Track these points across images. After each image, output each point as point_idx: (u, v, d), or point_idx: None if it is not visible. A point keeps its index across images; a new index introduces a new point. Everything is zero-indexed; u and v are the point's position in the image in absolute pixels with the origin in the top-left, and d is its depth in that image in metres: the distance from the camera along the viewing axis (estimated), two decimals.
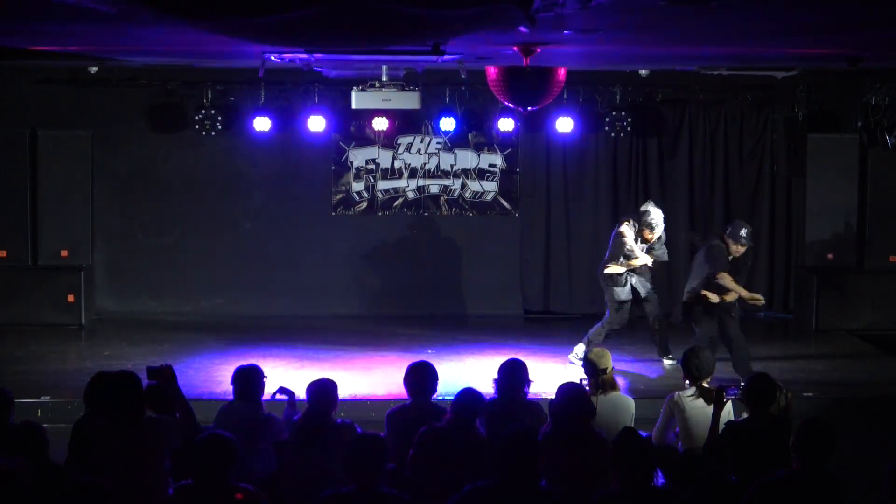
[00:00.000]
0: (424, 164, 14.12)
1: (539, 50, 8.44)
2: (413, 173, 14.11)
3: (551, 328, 13.44)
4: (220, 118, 13.23)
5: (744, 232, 10.37)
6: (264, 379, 7.15)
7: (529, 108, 9.72)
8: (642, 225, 11.17)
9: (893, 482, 5.31)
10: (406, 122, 13.72)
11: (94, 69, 12.33)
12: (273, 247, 14.02)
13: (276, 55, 9.05)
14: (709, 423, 6.85)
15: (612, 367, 7.43)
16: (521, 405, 7.19)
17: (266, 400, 7.21)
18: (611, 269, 11.31)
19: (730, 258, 10.45)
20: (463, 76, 10.30)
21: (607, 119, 13.47)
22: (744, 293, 10.44)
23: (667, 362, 11.34)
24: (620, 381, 7.65)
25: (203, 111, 13.23)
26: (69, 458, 6.57)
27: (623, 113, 13.45)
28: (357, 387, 10.35)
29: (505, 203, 14.25)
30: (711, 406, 6.94)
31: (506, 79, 9.10)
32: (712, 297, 10.43)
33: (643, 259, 11.24)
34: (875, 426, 9.64)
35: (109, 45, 9.42)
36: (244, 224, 14.08)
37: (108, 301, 13.98)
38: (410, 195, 14.17)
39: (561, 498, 5.53)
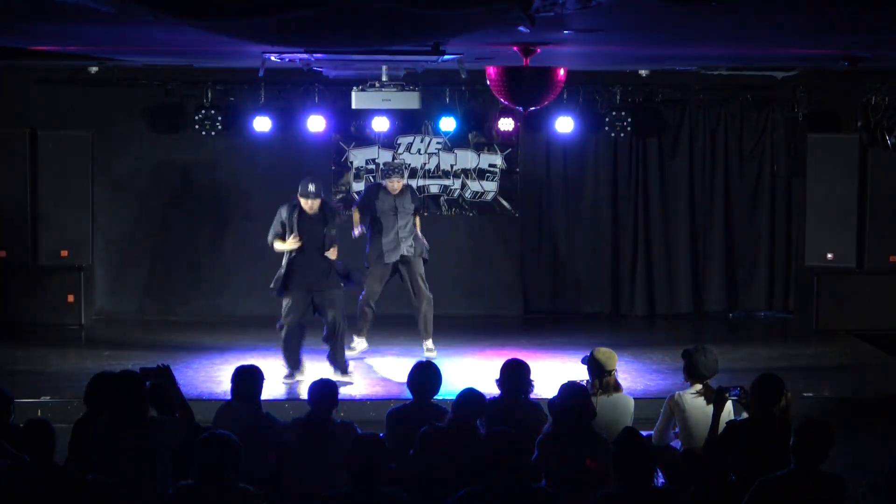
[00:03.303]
0: (424, 164, 14.13)
1: (539, 50, 8.44)
2: (413, 173, 14.10)
3: (551, 328, 13.43)
4: (220, 118, 13.23)
5: (311, 187, 10.30)
6: (263, 379, 7.15)
7: (529, 108, 9.72)
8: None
9: (893, 482, 5.31)
10: (406, 122, 13.72)
11: (94, 69, 12.33)
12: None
13: (276, 55, 9.05)
14: (709, 423, 6.84)
15: (616, 369, 7.43)
16: (522, 405, 7.19)
17: (265, 399, 7.21)
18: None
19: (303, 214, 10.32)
20: (463, 76, 10.30)
21: (607, 119, 13.48)
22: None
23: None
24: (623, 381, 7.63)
25: (203, 111, 13.23)
26: (69, 458, 6.57)
27: (623, 113, 13.45)
28: (357, 387, 10.35)
29: (505, 203, 14.25)
30: (711, 406, 6.93)
31: (506, 79, 9.09)
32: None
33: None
34: (875, 426, 9.64)
35: (109, 45, 9.42)
36: (244, 224, 14.08)
37: (108, 301, 13.98)
38: None
39: (557, 498, 5.54)
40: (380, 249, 11.37)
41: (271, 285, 10.41)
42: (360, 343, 11.45)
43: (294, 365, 10.44)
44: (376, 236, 11.39)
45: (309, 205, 10.33)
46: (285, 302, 10.39)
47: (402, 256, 11.40)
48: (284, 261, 10.37)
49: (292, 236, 10.29)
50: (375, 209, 11.42)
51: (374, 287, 11.39)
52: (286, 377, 10.35)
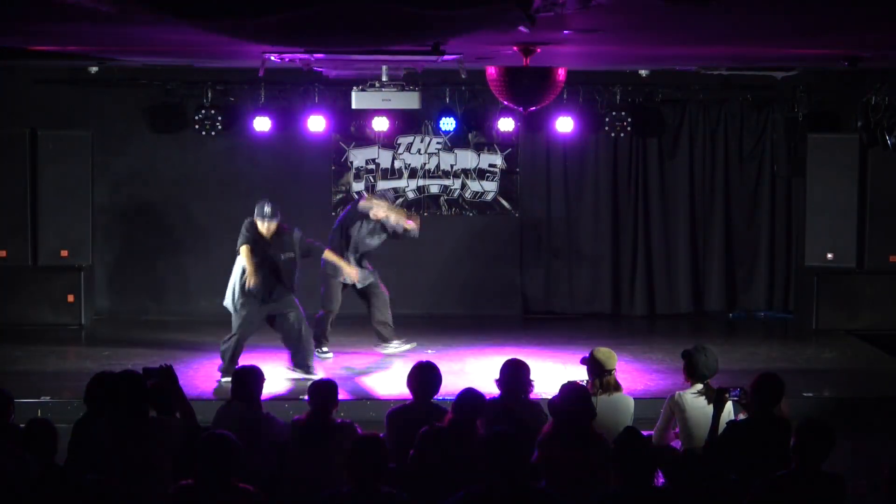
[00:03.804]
0: (424, 164, 14.12)
1: (539, 50, 8.44)
2: (413, 173, 14.11)
3: (551, 328, 13.43)
4: (220, 118, 13.23)
5: (266, 209, 10.29)
6: (263, 380, 7.14)
7: (529, 108, 9.72)
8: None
9: (893, 482, 5.32)
10: (406, 122, 13.72)
11: (94, 69, 12.33)
12: None
13: (276, 55, 9.05)
14: (709, 423, 6.84)
15: (616, 368, 7.43)
16: (522, 405, 7.19)
17: (265, 399, 7.21)
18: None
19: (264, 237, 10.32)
20: (463, 76, 10.30)
21: (607, 119, 13.47)
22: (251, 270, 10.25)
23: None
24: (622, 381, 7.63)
25: (203, 111, 13.23)
26: (69, 458, 6.57)
27: (623, 113, 13.45)
28: (357, 387, 10.35)
29: (505, 203, 14.25)
30: (712, 406, 6.93)
31: (506, 79, 9.10)
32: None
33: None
34: (875, 426, 9.64)
35: (109, 45, 9.42)
36: (244, 224, 14.04)
37: (108, 301, 13.98)
38: (410, 195, 14.17)
39: (558, 499, 5.53)
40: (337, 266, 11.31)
41: (227, 301, 10.43)
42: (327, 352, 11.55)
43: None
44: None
45: (266, 227, 10.33)
46: (243, 314, 10.37)
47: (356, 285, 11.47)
48: (238, 278, 10.35)
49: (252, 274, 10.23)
50: (349, 236, 11.42)
51: (335, 294, 11.47)
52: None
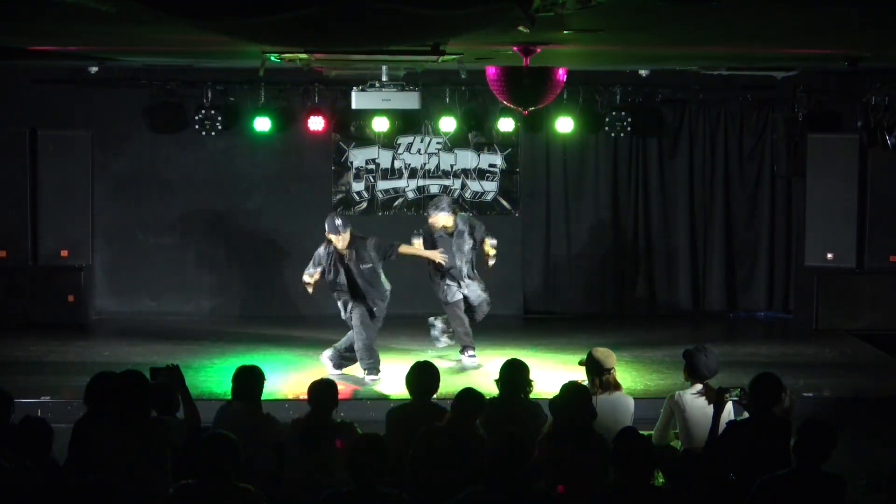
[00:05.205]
0: (424, 164, 14.12)
1: (539, 50, 8.44)
2: (413, 173, 14.10)
3: (551, 328, 13.43)
4: (220, 118, 13.23)
5: (337, 221, 10.38)
6: (264, 379, 7.14)
7: (529, 108, 9.72)
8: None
9: (894, 482, 5.32)
10: (406, 122, 13.71)
11: (94, 69, 12.33)
12: (273, 247, 14.01)
13: (276, 55, 9.05)
14: (709, 423, 6.84)
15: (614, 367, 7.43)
16: (521, 405, 7.19)
17: (265, 399, 7.21)
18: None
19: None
20: (463, 76, 10.30)
21: (607, 119, 13.48)
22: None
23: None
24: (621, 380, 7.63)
25: (203, 111, 13.23)
26: (69, 458, 6.57)
27: (623, 113, 13.46)
28: (357, 387, 10.35)
29: (505, 203, 14.25)
30: (712, 406, 6.93)
31: (506, 79, 9.09)
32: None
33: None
34: (875, 426, 9.64)
35: (109, 45, 9.42)
36: (244, 224, 14.08)
37: (108, 301, 13.98)
38: (410, 195, 14.17)
39: (556, 500, 5.54)
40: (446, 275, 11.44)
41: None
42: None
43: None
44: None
45: (340, 240, 10.34)
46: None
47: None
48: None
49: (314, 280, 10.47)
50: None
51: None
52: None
